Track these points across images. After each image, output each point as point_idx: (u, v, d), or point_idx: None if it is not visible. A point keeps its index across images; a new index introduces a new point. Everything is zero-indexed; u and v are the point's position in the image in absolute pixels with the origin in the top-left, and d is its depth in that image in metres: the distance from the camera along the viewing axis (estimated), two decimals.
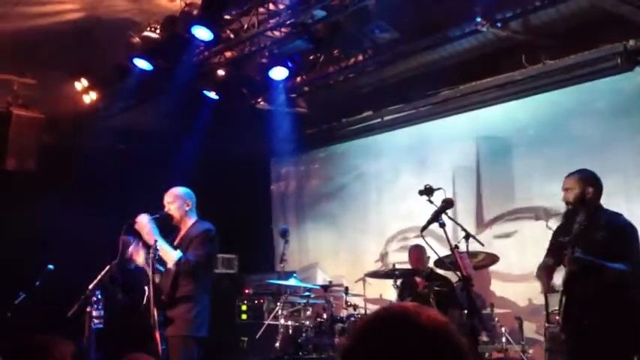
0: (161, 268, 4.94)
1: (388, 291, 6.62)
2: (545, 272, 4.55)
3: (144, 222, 4.90)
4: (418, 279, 6.39)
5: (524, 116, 6.87)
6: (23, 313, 5.62)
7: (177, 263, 4.87)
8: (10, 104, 7.43)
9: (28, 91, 7.66)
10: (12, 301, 5.66)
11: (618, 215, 4.44)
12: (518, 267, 6.49)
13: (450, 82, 7.32)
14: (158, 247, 4.79)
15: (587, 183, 4.43)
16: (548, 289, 4.57)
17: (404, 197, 7.41)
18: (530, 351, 5.62)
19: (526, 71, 6.61)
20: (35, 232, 6.83)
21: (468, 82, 7.17)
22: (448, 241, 3.44)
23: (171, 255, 4.89)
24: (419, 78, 7.40)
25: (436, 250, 4.27)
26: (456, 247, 3.50)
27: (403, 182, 7.73)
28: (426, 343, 1.23)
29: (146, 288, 4.79)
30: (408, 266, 6.51)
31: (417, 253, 6.37)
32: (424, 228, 3.66)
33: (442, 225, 3.58)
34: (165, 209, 5.15)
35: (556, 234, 4.65)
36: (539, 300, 5.75)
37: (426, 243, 3.56)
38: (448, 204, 3.78)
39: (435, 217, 3.67)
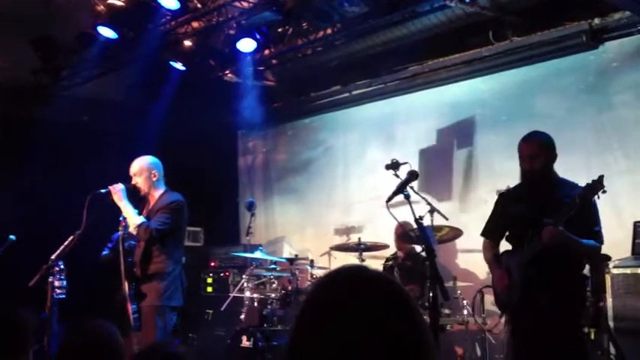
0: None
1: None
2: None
3: (117, 187, 4.89)
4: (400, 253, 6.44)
5: (490, 92, 6.95)
6: None
7: (139, 226, 4.83)
8: None
9: None
10: None
11: (578, 186, 4.07)
12: (481, 241, 6.58)
13: (419, 57, 7.34)
14: (122, 210, 4.78)
15: (551, 148, 4.12)
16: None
17: (371, 172, 7.44)
18: (488, 322, 5.73)
19: (493, 47, 6.66)
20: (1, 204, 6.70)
21: (436, 58, 7.20)
22: (413, 213, 3.48)
23: (134, 219, 4.86)
24: (387, 53, 7.40)
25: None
26: (420, 218, 3.53)
27: (370, 157, 7.76)
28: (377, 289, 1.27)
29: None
30: (375, 240, 6.57)
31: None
32: (389, 199, 3.68)
33: (407, 197, 3.60)
34: (132, 181, 5.08)
35: (504, 202, 4.33)
36: None
37: (391, 214, 3.58)
38: (413, 176, 3.81)
39: (400, 189, 3.69)
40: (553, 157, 4.11)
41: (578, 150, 6.10)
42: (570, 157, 6.16)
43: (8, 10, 6.91)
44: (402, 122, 7.66)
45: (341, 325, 1.21)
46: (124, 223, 4.82)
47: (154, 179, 5.13)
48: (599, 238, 4.00)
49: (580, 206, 3.72)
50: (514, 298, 4.01)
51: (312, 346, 1.22)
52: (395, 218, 3.56)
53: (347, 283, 1.29)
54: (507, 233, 4.29)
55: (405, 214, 3.84)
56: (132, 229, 4.87)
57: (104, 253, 5.03)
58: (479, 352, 5.92)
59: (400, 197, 3.78)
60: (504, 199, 4.33)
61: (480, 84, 7.02)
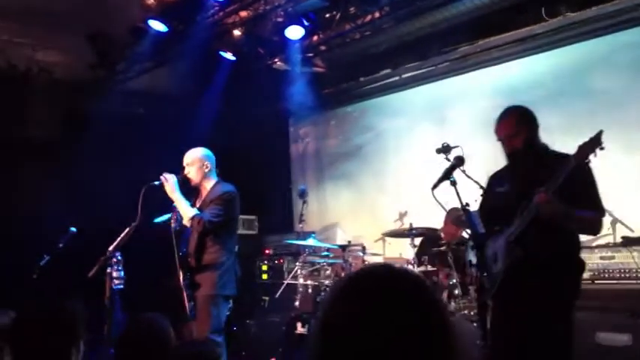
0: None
1: (408, 249, 6.62)
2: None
3: (169, 178, 4.97)
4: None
5: (544, 71, 6.75)
6: (48, 274, 5.73)
7: (192, 219, 4.90)
8: (31, 70, 7.46)
9: (47, 56, 7.69)
10: (37, 264, 5.77)
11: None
12: None
13: (469, 37, 7.19)
14: (175, 203, 4.86)
15: (529, 121, 3.79)
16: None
17: (422, 156, 7.36)
18: None
19: (546, 24, 6.46)
20: (58, 196, 6.93)
21: (487, 38, 7.04)
22: (459, 199, 3.40)
23: (187, 211, 4.93)
24: (437, 34, 7.29)
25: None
26: (467, 204, 3.44)
27: (421, 140, 7.67)
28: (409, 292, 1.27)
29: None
30: (428, 225, 6.50)
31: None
32: (435, 186, 3.60)
33: (453, 183, 3.52)
34: (185, 172, 5.16)
35: (491, 184, 3.97)
36: None
37: (437, 201, 3.52)
38: (459, 161, 3.71)
39: (446, 175, 3.61)
40: (533, 129, 3.79)
41: (638, 127, 5.88)
42: (629, 135, 5.97)
43: (65, 7, 7.12)
44: (454, 104, 7.53)
45: (368, 320, 1.21)
46: (176, 215, 4.90)
47: (206, 170, 5.19)
48: (598, 208, 3.55)
49: (575, 168, 3.33)
50: (498, 279, 3.64)
51: (339, 342, 1.22)
52: (441, 205, 3.50)
53: (374, 280, 1.29)
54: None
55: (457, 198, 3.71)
56: (185, 222, 4.94)
57: (157, 220, 5.10)
58: None
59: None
60: (491, 180, 3.99)
61: (534, 62, 6.83)
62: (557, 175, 3.37)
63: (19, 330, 2.08)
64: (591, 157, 3.32)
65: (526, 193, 3.49)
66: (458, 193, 3.44)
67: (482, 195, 3.94)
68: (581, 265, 3.66)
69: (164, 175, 5.01)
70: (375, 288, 1.27)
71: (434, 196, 3.54)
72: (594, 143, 3.29)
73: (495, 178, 3.94)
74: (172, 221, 4.92)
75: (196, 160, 5.19)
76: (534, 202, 3.39)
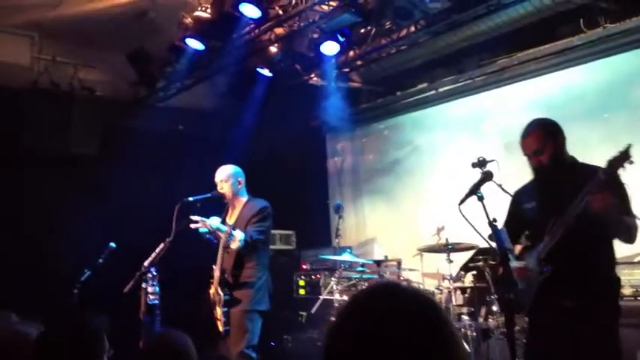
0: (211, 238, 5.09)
1: (446, 265, 6.53)
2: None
3: (210, 221, 5.03)
4: None
5: (583, 84, 6.62)
6: (88, 289, 5.84)
7: (246, 242, 4.96)
8: (73, 88, 7.67)
9: (89, 74, 7.90)
10: (78, 279, 5.88)
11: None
12: None
13: (506, 50, 7.13)
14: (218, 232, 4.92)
15: (555, 134, 3.69)
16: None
17: (458, 170, 7.27)
18: None
19: (585, 36, 6.35)
20: (98, 211, 7.08)
21: (525, 50, 6.96)
22: (486, 214, 3.34)
23: (237, 235, 4.98)
24: (473, 47, 7.25)
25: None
26: (495, 220, 3.38)
27: (458, 155, 7.59)
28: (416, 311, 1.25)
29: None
30: (464, 240, 6.41)
31: None
32: (462, 201, 3.55)
33: (480, 198, 3.47)
34: (218, 188, 5.24)
35: (517, 200, 3.90)
36: None
37: (464, 217, 3.48)
38: (488, 176, 3.65)
39: (474, 190, 3.56)
40: (560, 142, 3.69)
41: None
42: None
43: (107, 27, 7.33)
44: (491, 118, 7.45)
45: (370, 343, 1.20)
46: (229, 231, 4.92)
47: (240, 186, 5.29)
48: (633, 218, 3.43)
49: (604, 182, 3.21)
50: (529, 297, 3.54)
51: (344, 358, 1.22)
52: (468, 221, 3.45)
53: (376, 300, 1.28)
54: (526, 232, 3.85)
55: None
56: (235, 245, 4.97)
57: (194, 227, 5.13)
58: None
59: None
60: (518, 196, 3.92)
61: (572, 75, 6.71)
62: (587, 190, 3.29)
63: (43, 345, 2.12)
64: (620, 171, 3.24)
65: (554, 209, 3.42)
66: (485, 209, 3.38)
67: (509, 211, 3.88)
68: (617, 282, 3.57)
69: (203, 220, 5.03)
70: (379, 309, 1.26)
71: (460, 212, 3.50)
72: (623, 157, 3.21)
73: (522, 194, 3.88)
74: (221, 236, 4.93)
75: (231, 176, 5.28)
76: (593, 202, 3.26)
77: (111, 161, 7.32)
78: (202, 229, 5.04)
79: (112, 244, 5.88)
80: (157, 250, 4.64)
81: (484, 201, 3.46)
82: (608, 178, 3.23)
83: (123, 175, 7.00)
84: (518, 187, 3.90)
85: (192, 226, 5.01)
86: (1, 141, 7.24)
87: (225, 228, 4.94)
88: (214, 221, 5.06)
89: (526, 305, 3.61)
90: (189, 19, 6.87)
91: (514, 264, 3.72)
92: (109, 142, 7.70)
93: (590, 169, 3.51)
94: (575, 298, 3.40)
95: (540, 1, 6.28)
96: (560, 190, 3.56)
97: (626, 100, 6.22)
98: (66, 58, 7.65)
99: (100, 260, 5.85)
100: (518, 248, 3.91)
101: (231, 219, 5.28)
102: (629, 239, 3.48)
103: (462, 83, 7.67)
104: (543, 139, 3.69)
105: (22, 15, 7.05)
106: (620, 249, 5.81)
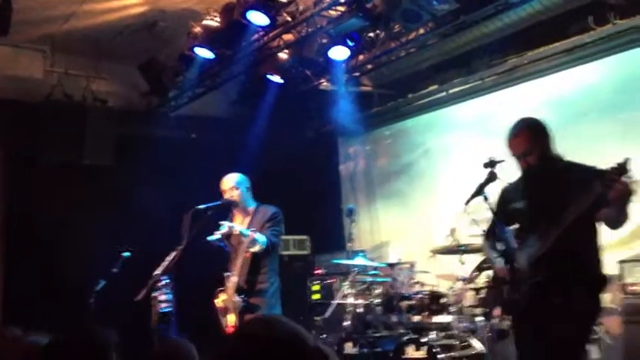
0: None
1: (458, 266, 6.50)
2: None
3: (231, 226, 5.09)
4: None
5: (594, 81, 6.55)
6: (103, 299, 5.90)
7: (267, 245, 5.00)
8: (86, 99, 7.76)
9: (101, 86, 7.99)
10: (93, 288, 5.95)
11: (593, 168, 3.52)
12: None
13: (516, 50, 7.09)
14: (254, 239, 4.96)
15: (542, 134, 3.68)
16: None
17: (470, 171, 7.22)
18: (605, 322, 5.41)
19: (595, 33, 6.30)
20: (113, 221, 7.14)
21: (535, 49, 6.92)
22: (493, 214, 3.34)
23: (260, 238, 5.02)
24: (483, 48, 7.23)
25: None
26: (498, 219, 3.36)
27: (470, 155, 7.54)
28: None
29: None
30: (477, 241, 6.38)
31: None
32: (468, 201, 3.57)
33: (486, 199, 3.47)
34: (227, 196, 5.28)
35: (505, 199, 3.83)
36: (613, 270, 5.55)
37: (470, 218, 3.48)
38: (492, 177, 3.65)
39: (479, 191, 3.56)
40: (547, 142, 3.67)
41: None
42: None
43: (117, 38, 7.42)
44: (502, 118, 7.37)
45: None
46: (253, 235, 4.93)
47: (249, 193, 5.32)
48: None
49: (601, 195, 3.18)
50: (522, 299, 3.56)
51: None
52: (474, 220, 3.45)
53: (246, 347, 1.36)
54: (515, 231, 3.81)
55: None
56: (256, 249, 5.00)
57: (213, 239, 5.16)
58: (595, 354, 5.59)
59: None
60: (505, 194, 3.87)
61: (583, 72, 6.65)
62: (581, 202, 3.27)
63: (48, 356, 2.14)
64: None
65: (544, 211, 3.43)
66: (491, 209, 3.38)
67: (496, 209, 3.85)
68: (604, 280, 3.56)
69: (228, 224, 5.09)
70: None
71: (466, 212, 3.50)
72: (620, 171, 3.15)
73: (510, 192, 3.84)
74: (243, 241, 4.95)
75: (240, 183, 5.34)
76: (614, 192, 3.18)
77: (124, 171, 7.39)
78: (212, 237, 5.06)
79: (126, 254, 5.94)
80: (169, 258, 4.67)
81: (489, 201, 3.46)
82: (604, 191, 3.18)
83: (137, 185, 7.07)
84: (505, 185, 3.86)
85: (212, 236, 5.04)
86: (17, 153, 7.35)
87: (248, 232, 4.96)
88: (240, 226, 5.10)
89: (516, 305, 3.63)
90: (199, 29, 6.92)
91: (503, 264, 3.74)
92: (122, 152, 7.77)
93: (582, 170, 3.51)
94: (562, 295, 3.40)
95: (548, 0, 6.25)
96: (549, 191, 3.56)
97: (638, 97, 6.15)
98: (78, 70, 7.76)
99: (115, 270, 5.92)
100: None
101: (243, 225, 5.30)
102: (619, 226, 3.45)
103: (473, 84, 7.63)
104: (532, 139, 3.67)
105: (34, 30, 7.16)
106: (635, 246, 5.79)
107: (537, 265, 3.45)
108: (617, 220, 3.40)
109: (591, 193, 3.23)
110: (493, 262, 3.84)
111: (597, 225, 3.52)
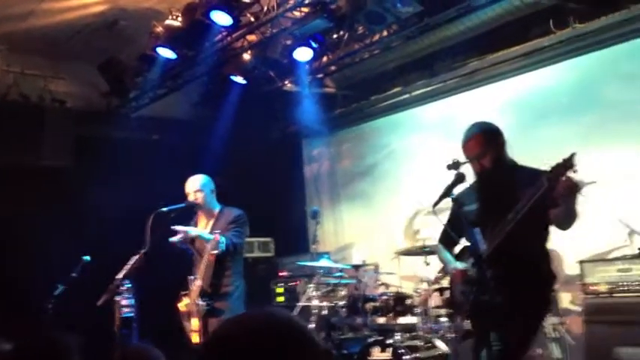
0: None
1: (422, 268, 6.54)
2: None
3: (183, 229, 4.98)
4: None
5: (555, 83, 6.67)
6: (62, 304, 5.76)
7: (227, 245, 4.91)
8: (43, 100, 7.57)
9: (59, 86, 7.81)
10: (51, 293, 5.80)
11: (542, 170, 3.46)
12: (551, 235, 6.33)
13: (478, 53, 7.18)
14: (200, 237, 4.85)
15: (495, 137, 3.75)
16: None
17: (434, 172, 7.28)
18: (567, 322, 5.52)
19: (555, 37, 6.41)
20: (72, 224, 6.98)
21: (496, 52, 7.01)
22: (462, 216, 3.36)
23: (218, 238, 4.93)
24: (445, 50, 7.29)
25: None
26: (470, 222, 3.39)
27: (433, 157, 7.60)
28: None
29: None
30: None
31: None
32: (436, 203, 3.58)
33: (454, 200, 3.50)
34: (192, 198, 5.20)
35: (458, 205, 3.84)
36: (574, 270, 5.66)
37: (439, 219, 3.49)
38: (460, 178, 3.67)
39: (447, 192, 3.58)
40: (501, 145, 3.75)
41: None
42: None
43: (76, 38, 7.26)
44: (465, 120, 7.40)
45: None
46: (218, 237, 4.84)
47: (213, 195, 5.26)
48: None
49: (548, 189, 3.23)
50: (469, 298, 3.65)
51: None
52: (443, 223, 3.46)
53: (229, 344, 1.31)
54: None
55: None
56: (218, 251, 4.88)
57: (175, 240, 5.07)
58: (557, 353, 5.69)
59: None
60: (459, 199, 3.85)
61: (544, 75, 6.76)
62: (529, 196, 3.32)
63: None
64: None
65: (496, 212, 3.47)
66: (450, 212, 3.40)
67: (450, 213, 3.94)
68: (552, 277, 3.66)
69: (186, 231, 5.00)
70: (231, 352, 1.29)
71: (435, 214, 3.51)
72: (567, 166, 3.20)
73: (463, 197, 3.87)
74: (208, 246, 4.86)
75: (205, 186, 5.26)
76: (559, 188, 3.23)
77: (84, 173, 7.23)
78: (173, 239, 4.97)
79: (86, 257, 5.81)
80: (131, 262, 4.58)
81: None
82: (551, 185, 3.23)
83: (97, 187, 6.92)
84: (459, 192, 3.86)
85: (173, 239, 4.95)
86: None
87: (210, 236, 4.88)
88: (196, 230, 5.03)
89: (466, 306, 3.69)
90: (161, 28, 6.82)
91: (456, 265, 3.82)
92: (81, 153, 7.61)
93: (532, 172, 3.55)
94: (510, 294, 3.44)
95: (510, 3, 6.33)
96: (501, 193, 3.62)
97: (597, 100, 6.28)
98: (35, 70, 7.56)
99: (74, 274, 5.78)
100: (457, 249, 4.02)
101: (206, 228, 5.23)
102: (570, 224, 3.49)
103: (435, 86, 7.70)
104: (485, 143, 3.73)
105: None
106: (595, 247, 5.90)
107: (487, 265, 3.49)
108: (566, 218, 3.44)
109: (539, 188, 3.27)
110: (446, 264, 3.94)
111: (548, 227, 3.60)
